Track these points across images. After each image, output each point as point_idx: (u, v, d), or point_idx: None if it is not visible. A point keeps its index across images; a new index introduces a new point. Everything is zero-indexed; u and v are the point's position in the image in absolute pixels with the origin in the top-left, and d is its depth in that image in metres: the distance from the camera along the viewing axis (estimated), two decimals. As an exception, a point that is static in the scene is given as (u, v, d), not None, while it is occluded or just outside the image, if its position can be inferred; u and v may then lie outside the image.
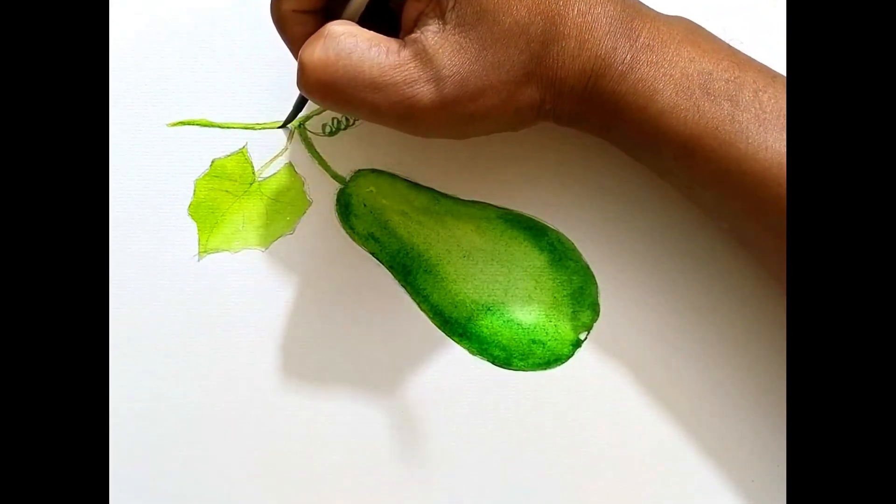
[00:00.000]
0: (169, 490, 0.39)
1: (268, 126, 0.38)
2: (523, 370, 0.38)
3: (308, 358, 0.38)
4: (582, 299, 0.38)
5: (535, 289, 0.38)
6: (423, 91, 0.31)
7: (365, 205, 0.38)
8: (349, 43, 0.31)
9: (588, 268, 0.38)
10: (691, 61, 0.31)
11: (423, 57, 0.31)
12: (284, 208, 0.38)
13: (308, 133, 0.38)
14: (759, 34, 0.38)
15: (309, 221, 0.38)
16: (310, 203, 0.38)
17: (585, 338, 0.38)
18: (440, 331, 0.38)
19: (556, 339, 0.38)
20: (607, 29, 0.31)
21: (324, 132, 0.38)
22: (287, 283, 0.38)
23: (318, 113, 0.38)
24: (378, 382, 0.38)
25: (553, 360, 0.38)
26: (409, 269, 0.38)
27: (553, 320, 0.38)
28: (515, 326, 0.38)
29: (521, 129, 0.33)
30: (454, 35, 0.30)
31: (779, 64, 0.38)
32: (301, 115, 0.38)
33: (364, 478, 0.38)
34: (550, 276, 0.38)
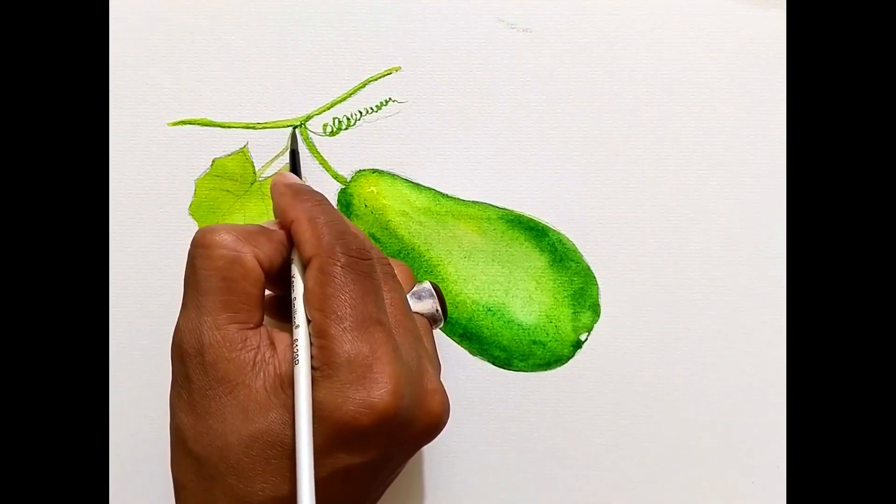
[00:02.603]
0: (169, 490, 0.39)
1: (268, 125, 0.38)
2: (524, 371, 0.38)
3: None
4: (583, 300, 0.38)
5: (536, 290, 0.38)
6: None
7: (366, 205, 0.38)
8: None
9: (589, 269, 0.38)
10: None
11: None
12: (285, 208, 0.38)
13: (309, 132, 0.38)
14: (760, 36, 0.38)
15: (309, 221, 0.38)
16: (310, 203, 0.38)
17: (586, 339, 0.38)
18: (440, 331, 0.38)
19: (556, 340, 0.38)
20: None
21: (325, 132, 0.38)
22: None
23: (318, 112, 0.38)
24: (378, 383, 0.38)
25: (553, 360, 0.38)
26: (409, 270, 0.38)
27: (554, 321, 0.38)
28: (516, 327, 0.38)
29: None
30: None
31: (779, 68, 0.38)
32: (302, 114, 0.38)
33: (364, 478, 0.38)
34: (551, 277, 0.38)
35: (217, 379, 0.29)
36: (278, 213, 0.32)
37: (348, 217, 0.38)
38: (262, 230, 0.31)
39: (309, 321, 0.29)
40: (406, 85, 0.38)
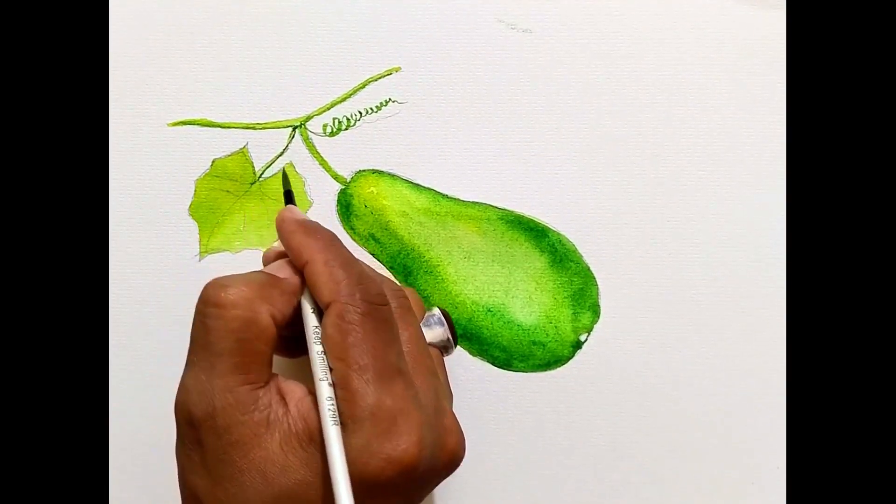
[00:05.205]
0: (169, 490, 0.39)
1: (268, 126, 0.38)
2: (523, 371, 0.38)
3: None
4: (582, 301, 0.38)
5: (536, 290, 0.38)
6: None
7: (366, 205, 0.38)
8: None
9: (589, 269, 0.38)
10: None
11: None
12: (285, 209, 0.38)
13: (309, 133, 0.38)
14: (760, 36, 0.38)
15: (309, 222, 0.38)
16: (311, 203, 0.38)
17: (586, 339, 0.38)
18: (441, 331, 0.38)
19: (556, 341, 0.38)
20: None
21: (325, 132, 0.38)
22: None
23: (318, 113, 0.38)
24: (378, 383, 0.38)
25: (553, 361, 0.38)
26: (409, 270, 0.38)
27: (553, 322, 0.38)
28: (516, 328, 0.38)
29: None
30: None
31: (779, 68, 0.38)
32: (302, 114, 0.38)
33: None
34: (551, 278, 0.38)
35: (231, 443, 0.28)
36: (291, 251, 0.31)
37: (348, 218, 0.38)
38: (273, 281, 0.30)
39: (331, 369, 0.29)
40: (406, 85, 0.38)
